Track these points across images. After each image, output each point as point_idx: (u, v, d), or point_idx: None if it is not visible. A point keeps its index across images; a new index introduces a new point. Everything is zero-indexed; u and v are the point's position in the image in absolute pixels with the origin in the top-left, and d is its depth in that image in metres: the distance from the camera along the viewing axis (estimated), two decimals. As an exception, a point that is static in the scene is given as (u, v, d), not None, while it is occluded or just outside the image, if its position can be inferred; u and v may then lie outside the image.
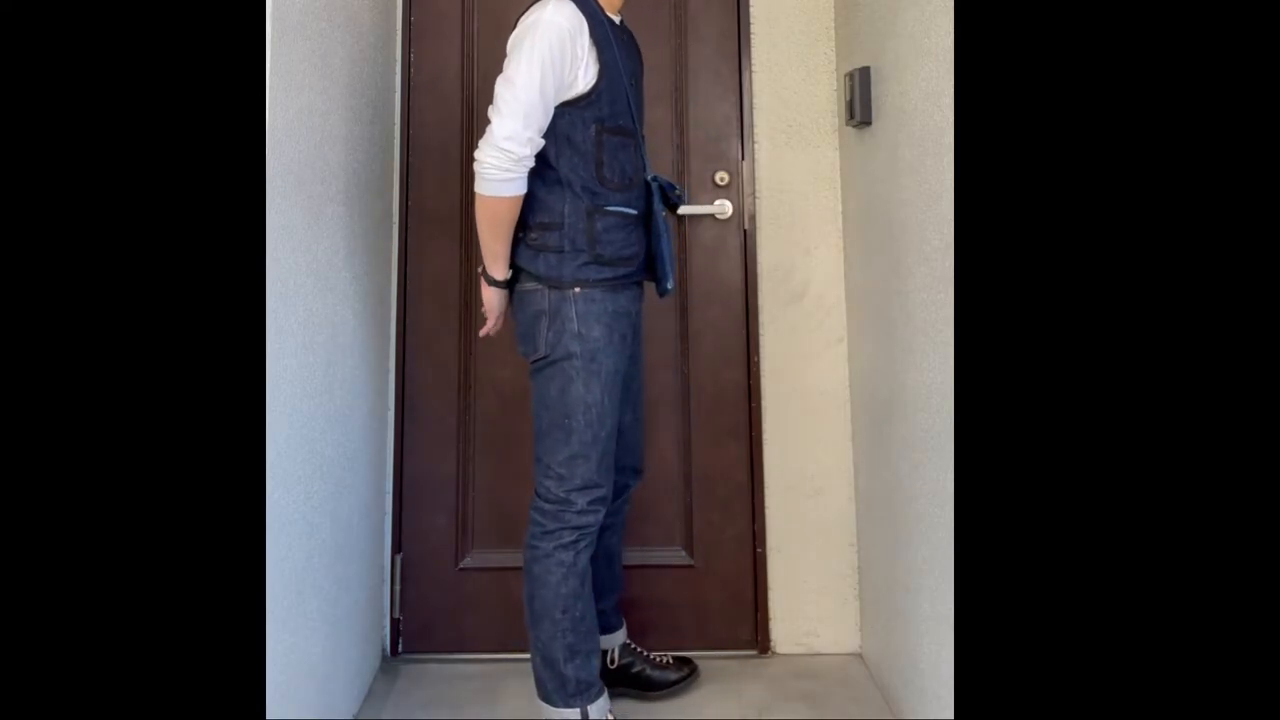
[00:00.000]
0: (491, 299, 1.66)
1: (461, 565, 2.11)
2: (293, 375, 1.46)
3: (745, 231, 2.17)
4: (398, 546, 2.10)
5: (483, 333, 1.73)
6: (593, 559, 1.65)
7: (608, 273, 1.57)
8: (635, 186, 1.62)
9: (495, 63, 2.19)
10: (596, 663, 1.62)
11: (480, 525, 2.12)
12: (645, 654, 1.90)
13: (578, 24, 1.51)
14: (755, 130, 2.19)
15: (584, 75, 1.52)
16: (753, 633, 2.10)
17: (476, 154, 1.50)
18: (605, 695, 1.63)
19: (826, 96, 2.19)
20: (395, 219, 2.15)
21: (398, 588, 2.09)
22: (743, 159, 2.18)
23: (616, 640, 1.86)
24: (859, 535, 2.09)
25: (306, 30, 1.52)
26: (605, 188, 1.57)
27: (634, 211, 1.62)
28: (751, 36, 2.21)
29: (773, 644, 2.09)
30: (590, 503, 1.58)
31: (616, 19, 1.65)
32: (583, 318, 1.55)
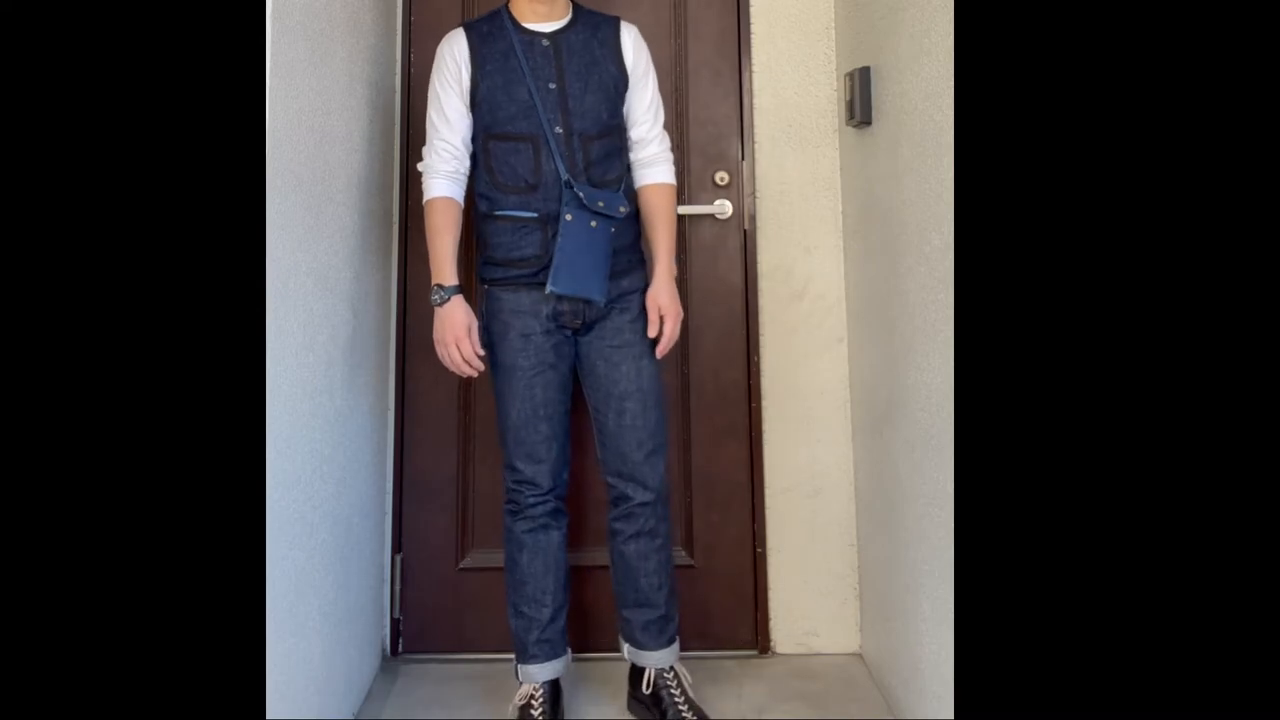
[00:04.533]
0: (444, 320, 1.64)
1: (461, 565, 2.11)
2: (293, 375, 1.46)
3: (745, 231, 2.17)
4: (398, 546, 2.10)
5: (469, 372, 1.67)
6: (610, 564, 1.78)
7: (499, 273, 1.69)
8: (538, 189, 1.65)
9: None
10: (531, 630, 1.71)
11: (480, 525, 2.12)
12: (678, 702, 1.72)
13: (458, 41, 1.69)
14: (755, 130, 2.19)
15: (469, 85, 1.67)
16: (753, 633, 2.10)
17: None
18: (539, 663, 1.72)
19: (826, 96, 2.19)
20: (395, 219, 2.15)
21: (398, 588, 2.09)
22: (743, 159, 2.18)
23: (649, 661, 1.74)
24: (859, 535, 2.09)
25: (306, 30, 1.52)
26: (500, 191, 1.67)
27: (530, 214, 1.65)
28: (751, 36, 2.21)
29: (773, 644, 2.09)
30: (515, 482, 1.72)
31: (545, 26, 1.70)
32: (489, 313, 1.71)
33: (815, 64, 2.20)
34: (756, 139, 2.19)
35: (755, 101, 2.20)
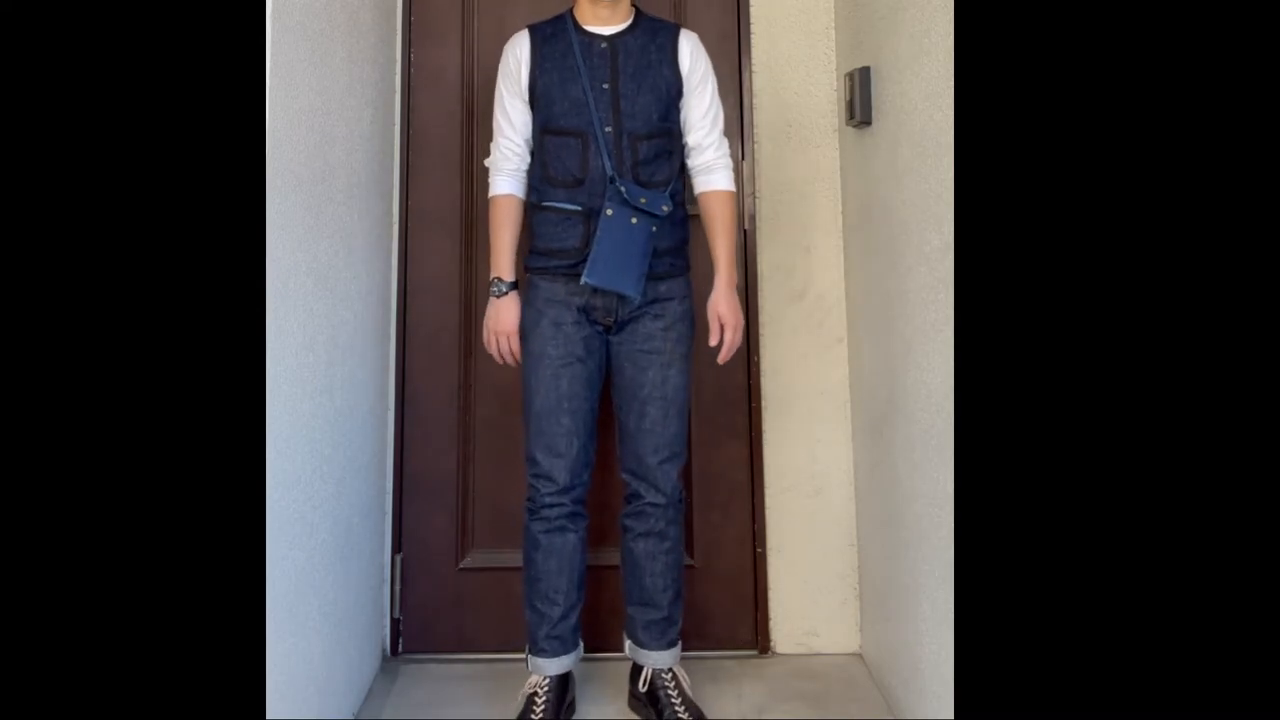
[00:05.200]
0: (498, 313, 1.75)
1: (461, 565, 2.11)
2: (293, 375, 1.46)
3: (745, 231, 2.17)
4: (398, 546, 2.10)
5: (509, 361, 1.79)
6: (620, 560, 1.79)
7: (540, 261, 1.73)
8: (584, 184, 1.68)
9: (495, 62, 2.20)
10: (542, 626, 1.73)
11: (480, 525, 2.12)
12: (674, 702, 1.74)
13: (520, 42, 1.75)
14: (755, 130, 2.19)
15: (527, 82, 1.73)
16: (753, 633, 2.10)
17: None
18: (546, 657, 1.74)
19: (826, 96, 2.19)
20: (395, 219, 2.15)
21: (398, 588, 2.09)
22: (743, 159, 2.18)
23: (648, 661, 1.76)
24: (859, 535, 2.09)
25: (306, 30, 1.52)
26: (550, 185, 1.72)
27: (575, 207, 1.69)
28: (751, 36, 2.21)
29: (773, 644, 2.09)
30: (533, 475, 1.73)
31: (605, 29, 1.73)
32: (526, 301, 1.75)
33: (815, 64, 2.20)
34: (756, 139, 2.19)
35: (755, 101, 2.20)
